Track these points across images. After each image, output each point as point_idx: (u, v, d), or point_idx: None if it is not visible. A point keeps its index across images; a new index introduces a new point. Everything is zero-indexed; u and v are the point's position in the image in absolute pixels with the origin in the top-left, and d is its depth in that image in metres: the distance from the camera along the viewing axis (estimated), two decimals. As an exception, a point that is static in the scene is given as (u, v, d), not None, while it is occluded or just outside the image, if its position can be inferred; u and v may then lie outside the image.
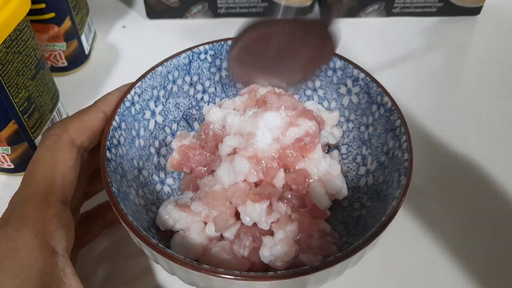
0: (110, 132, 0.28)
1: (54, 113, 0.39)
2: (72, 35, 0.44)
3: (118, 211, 0.25)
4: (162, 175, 0.33)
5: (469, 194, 0.37)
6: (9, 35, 0.31)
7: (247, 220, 0.29)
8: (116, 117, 0.28)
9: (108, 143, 0.27)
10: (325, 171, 0.30)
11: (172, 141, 0.33)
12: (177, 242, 0.29)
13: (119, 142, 0.29)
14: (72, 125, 0.27)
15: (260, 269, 0.28)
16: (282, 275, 0.23)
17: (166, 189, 0.33)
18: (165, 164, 0.33)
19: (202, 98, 0.35)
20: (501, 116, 0.43)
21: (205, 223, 0.30)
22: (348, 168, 0.33)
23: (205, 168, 0.32)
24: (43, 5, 0.41)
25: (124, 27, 0.53)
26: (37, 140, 0.37)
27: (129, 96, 0.30)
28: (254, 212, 0.28)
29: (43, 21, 0.42)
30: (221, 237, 0.30)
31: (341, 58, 0.33)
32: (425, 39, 0.51)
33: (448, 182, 0.38)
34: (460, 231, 0.35)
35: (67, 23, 0.43)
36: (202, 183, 0.31)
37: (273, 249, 0.28)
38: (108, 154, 0.27)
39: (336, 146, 0.34)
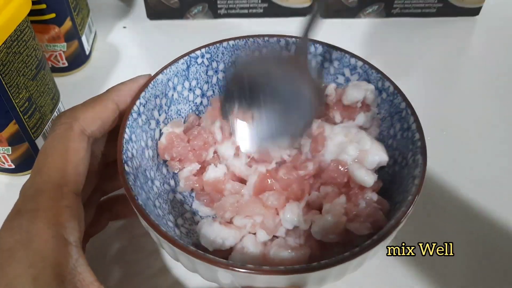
0: (124, 146, 0.27)
1: (55, 113, 0.39)
2: (73, 35, 0.45)
3: (151, 225, 0.24)
4: (172, 183, 0.33)
5: (468, 194, 0.37)
6: (9, 36, 0.31)
7: (288, 225, 0.29)
8: (127, 130, 0.28)
9: (124, 157, 0.27)
10: (357, 150, 0.30)
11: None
12: (237, 259, 0.29)
13: (132, 154, 0.29)
14: (83, 114, 0.27)
15: (320, 250, 0.29)
16: (327, 264, 0.23)
17: (179, 196, 0.33)
18: (173, 172, 0.33)
19: (201, 103, 0.35)
20: (500, 116, 0.43)
21: (254, 234, 0.30)
22: None
23: (179, 163, 0.32)
24: (43, 6, 0.41)
25: (124, 27, 0.53)
26: (38, 141, 0.37)
27: (135, 108, 0.29)
28: (293, 216, 0.29)
29: (44, 21, 0.42)
30: (273, 238, 0.30)
31: (337, 48, 0.33)
32: (425, 40, 0.51)
33: (447, 182, 0.38)
34: (460, 231, 0.35)
35: (67, 23, 0.43)
36: (223, 199, 0.31)
37: (322, 223, 0.28)
38: (126, 167, 0.27)
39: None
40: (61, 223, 0.23)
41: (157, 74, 0.31)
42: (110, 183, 0.32)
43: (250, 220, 0.29)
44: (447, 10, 0.52)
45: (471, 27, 0.53)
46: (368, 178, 0.29)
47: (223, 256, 0.27)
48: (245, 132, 0.31)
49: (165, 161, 0.33)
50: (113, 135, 0.29)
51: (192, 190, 0.33)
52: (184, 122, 0.34)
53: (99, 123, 0.27)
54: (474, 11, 0.53)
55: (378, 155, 0.30)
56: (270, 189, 0.31)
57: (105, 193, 0.32)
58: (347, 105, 0.33)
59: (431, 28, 0.52)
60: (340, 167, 0.30)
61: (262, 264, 0.28)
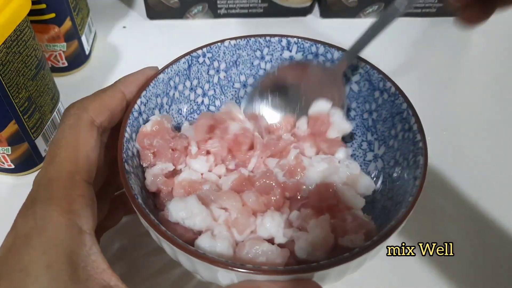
0: (124, 144, 0.28)
1: (55, 113, 0.39)
2: (73, 35, 0.45)
3: (149, 222, 0.25)
4: None
5: (468, 194, 0.37)
6: (9, 36, 0.31)
7: (263, 233, 0.28)
8: (127, 129, 0.28)
9: (124, 155, 0.27)
10: (346, 173, 0.30)
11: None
12: (203, 248, 0.26)
13: (133, 153, 0.29)
14: (92, 105, 0.27)
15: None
16: (327, 264, 0.23)
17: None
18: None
19: (202, 102, 0.35)
20: (500, 116, 0.43)
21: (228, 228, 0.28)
22: (354, 155, 0.34)
23: (152, 156, 0.30)
24: (43, 6, 0.41)
25: (124, 27, 0.53)
26: (38, 141, 0.37)
27: (136, 106, 0.29)
28: (273, 225, 0.28)
29: (44, 21, 0.42)
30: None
31: (339, 49, 0.33)
32: (425, 40, 0.51)
33: (447, 182, 0.38)
34: (460, 231, 0.35)
35: (67, 23, 0.43)
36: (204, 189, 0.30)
37: (311, 238, 0.26)
38: (126, 166, 0.27)
39: (351, 136, 0.34)
40: (74, 211, 0.23)
41: (158, 73, 0.31)
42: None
43: (225, 213, 0.28)
44: (447, 10, 0.52)
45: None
46: (360, 200, 0.29)
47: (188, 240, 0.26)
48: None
49: None
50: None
51: (158, 191, 0.30)
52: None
53: (108, 113, 0.28)
54: (474, 11, 0.53)
55: (368, 180, 0.30)
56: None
57: (119, 187, 0.32)
58: (328, 138, 0.33)
59: (431, 28, 0.52)
60: (329, 189, 0.29)
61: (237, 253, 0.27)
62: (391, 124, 0.31)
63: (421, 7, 0.52)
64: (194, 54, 0.33)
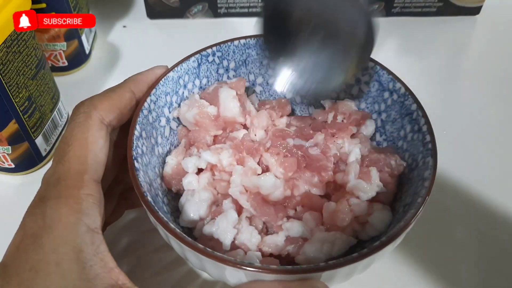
0: (134, 142, 0.28)
1: (55, 112, 0.39)
2: (73, 35, 0.44)
3: (158, 220, 0.25)
4: None
5: (469, 194, 0.37)
6: (9, 35, 0.31)
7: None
8: (137, 126, 0.28)
9: (134, 153, 0.27)
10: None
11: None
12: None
13: (142, 151, 0.29)
14: (101, 103, 0.27)
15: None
16: (336, 264, 0.23)
17: None
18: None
19: None
20: (500, 116, 0.43)
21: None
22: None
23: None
24: (43, 5, 0.41)
25: (124, 27, 0.53)
26: (38, 140, 0.37)
27: (146, 104, 0.29)
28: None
29: (44, 21, 0.42)
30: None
31: None
32: (425, 39, 0.51)
33: (447, 181, 0.38)
34: (461, 230, 0.35)
35: (67, 23, 0.43)
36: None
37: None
38: (136, 164, 0.27)
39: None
40: (83, 210, 0.23)
41: (168, 71, 0.31)
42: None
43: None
44: (448, 9, 0.52)
45: (472, 26, 0.53)
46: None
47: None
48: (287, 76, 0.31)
49: None
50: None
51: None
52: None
53: (117, 112, 0.28)
54: (474, 10, 0.53)
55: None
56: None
57: (127, 185, 0.32)
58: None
59: (431, 27, 0.52)
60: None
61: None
62: (400, 125, 0.31)
63: (422, 6, 0.52)
64: (204, 52, 0.33)
